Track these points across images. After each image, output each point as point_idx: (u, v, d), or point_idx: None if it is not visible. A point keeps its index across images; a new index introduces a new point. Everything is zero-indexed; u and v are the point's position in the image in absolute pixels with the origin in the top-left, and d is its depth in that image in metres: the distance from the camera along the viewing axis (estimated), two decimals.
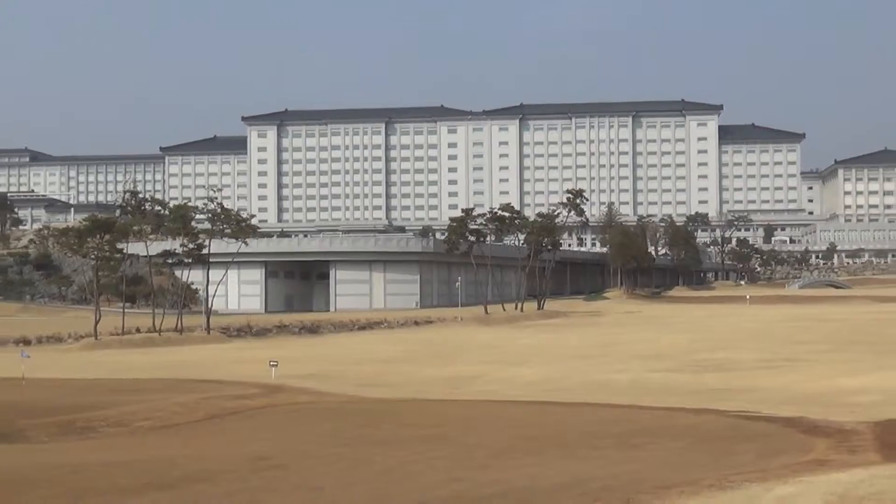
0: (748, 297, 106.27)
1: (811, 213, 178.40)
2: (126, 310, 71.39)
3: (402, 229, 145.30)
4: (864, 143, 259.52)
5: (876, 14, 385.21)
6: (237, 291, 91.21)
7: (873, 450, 20.79)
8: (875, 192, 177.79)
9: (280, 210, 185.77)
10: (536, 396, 31.90)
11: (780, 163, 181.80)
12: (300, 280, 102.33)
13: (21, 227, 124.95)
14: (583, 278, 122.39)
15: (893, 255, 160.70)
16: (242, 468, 19.05)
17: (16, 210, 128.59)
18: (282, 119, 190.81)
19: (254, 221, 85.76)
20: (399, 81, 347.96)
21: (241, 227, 73.33)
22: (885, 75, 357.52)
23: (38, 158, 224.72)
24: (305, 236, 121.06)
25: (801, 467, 18.06)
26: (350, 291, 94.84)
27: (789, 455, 20.13)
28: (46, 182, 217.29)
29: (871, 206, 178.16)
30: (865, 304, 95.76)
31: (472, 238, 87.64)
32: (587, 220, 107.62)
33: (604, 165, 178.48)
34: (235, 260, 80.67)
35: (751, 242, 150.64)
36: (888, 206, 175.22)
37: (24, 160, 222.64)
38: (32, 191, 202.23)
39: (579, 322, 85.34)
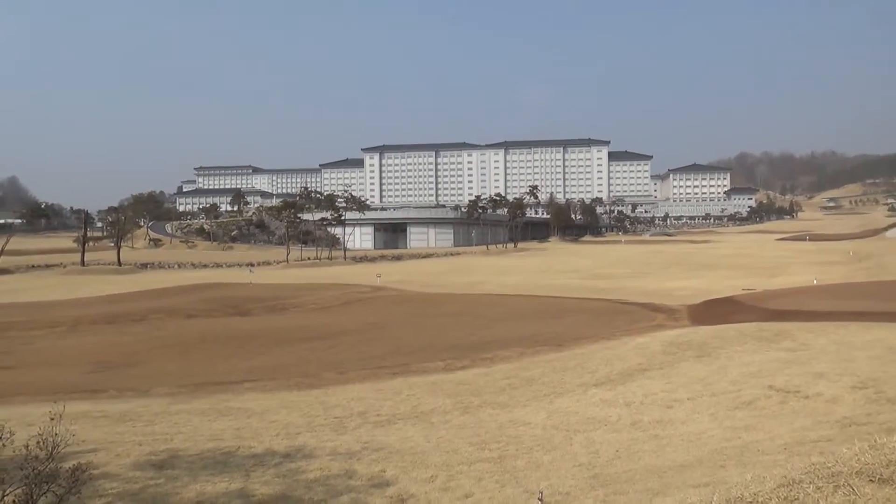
0: (623, 241, 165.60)
1: (656, 196, 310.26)
2: (302, 248, 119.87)
3: (443, 206, 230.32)
4: (684, 158, 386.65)
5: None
6: (359, 238, 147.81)
7: (686, 318, 34.47)
8: (688, 186, 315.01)
9: (381, 196, 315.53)
10: (513, 291, 49.50)
11: (639, 171, 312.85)
12: (392, 232, 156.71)
13: (247, 207, 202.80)
14: (537, 231, 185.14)
15: (697, 219, 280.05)
16: (362, 328, 34.06)
17: (245, 197, 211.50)
18: (382, 149, 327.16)
19: (368, 203, 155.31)
20: (442, 126, 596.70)
21: (361, 205, 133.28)
22: (696, 115, 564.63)
23: (257, 171, 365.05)
24: (395, 210, 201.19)
25: (650, 328, 31.32)
26: (418, 238, 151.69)
27: (643, 322, 33.37)
28: (262, 183, 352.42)
29: (686, 193, 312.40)
30: (682, 245, 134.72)
31: (479, 210, 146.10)
32: (539, 201, 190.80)
33: (548, 173, 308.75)
34: (359, 222, 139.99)
35: (624, 213, 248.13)
36: (695, 193, 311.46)
37: (248, 172, 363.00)
38: (254, 187, 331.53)
39: (535, 254, 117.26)
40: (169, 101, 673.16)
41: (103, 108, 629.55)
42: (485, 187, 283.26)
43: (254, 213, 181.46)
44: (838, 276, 57.13)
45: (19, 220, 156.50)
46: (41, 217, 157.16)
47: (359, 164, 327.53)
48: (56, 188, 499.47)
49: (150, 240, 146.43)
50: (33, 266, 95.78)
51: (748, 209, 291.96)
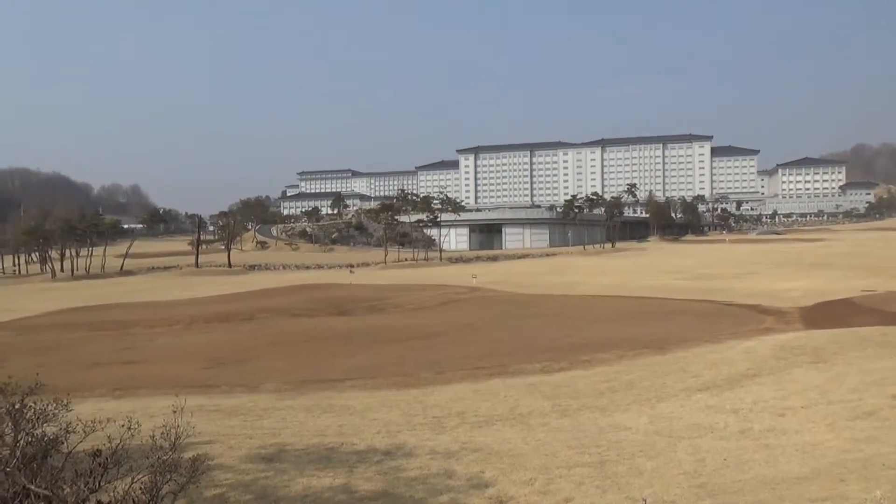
0: (727, 240, 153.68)
1: (763, 193, 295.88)
2: (399, 249, 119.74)
3: (538, 206, 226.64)
4: (794, 152, 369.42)
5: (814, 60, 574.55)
6: (455, 239, 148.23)
7: (798, 322, 32.68)
8: (799, 181, 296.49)
9: (476, 196, 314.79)
10: (611, 292, 48.11)
11: (745, 166, 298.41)
12: (487, 233, 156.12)
13: (346, 209, 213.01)
14: (636, 231, 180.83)
15: (809, 216, 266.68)
16: (459, 328, 34.45)
17: (344, 200, 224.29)
18: (476, 150, 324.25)
19: (463, 204, 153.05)
20: (538, 125, 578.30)
21: (456, 206, 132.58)
22: (807, 105, 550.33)
23: (355, 174, 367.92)
24: (489, 210, 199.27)
25: (758, 332, 29.83)
26: (513, 239, 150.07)
27: (751, 325, 31.83)
28: (360, 186, 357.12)
29: (797, 189, 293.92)
30: (793, 244, 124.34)
31: (575, 210, 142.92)
32: (638, 199, 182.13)
33: (647, 170, 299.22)
34: (454, 223, 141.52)
35: (728, 211, 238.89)
36: (806, 189, 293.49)
37: (347, 175, 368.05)
38: (353, 190, 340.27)
39: (633, 254, 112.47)
40: (273, 110, 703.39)
41: (212, 119, 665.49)
42: (581, 186, 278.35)
43: (353, 215, 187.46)
44: None
45: (141, 225, 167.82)
46: (160, 222, 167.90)
47: (454, 165, 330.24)
48: (172, 195, 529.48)
49: (257, 242, 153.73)
50: (153, 268, 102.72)
51: (866, 205, 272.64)
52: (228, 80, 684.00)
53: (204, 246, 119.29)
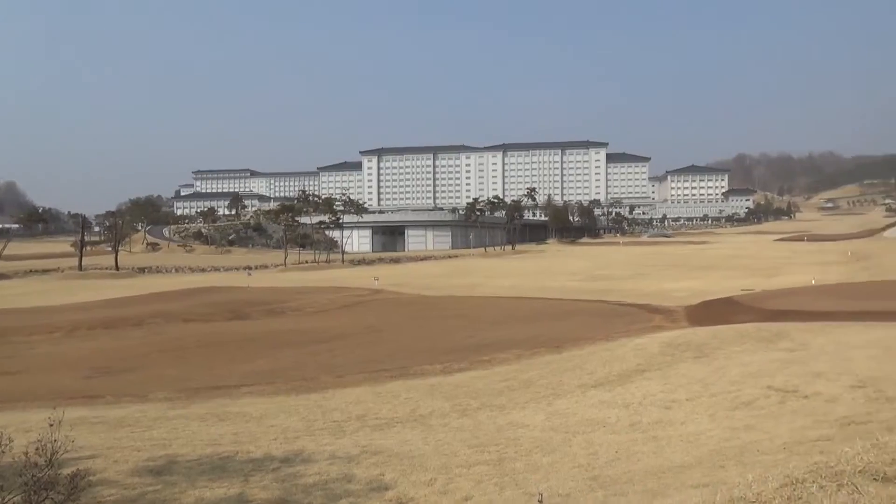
0: (621, 242, 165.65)
1: (654, 198, 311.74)
2: (300, 251, 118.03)
3: (441, 208, 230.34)
4: (682, 160, 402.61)
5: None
6: (357, 241, 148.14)
7: (684, 320, 34.49)
8: (687, 187, 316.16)
9: (379, 198, 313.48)
10: (511, 294, 49.39)
11: (637, 172, 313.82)
12: (390, 235, 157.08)
13: (245, 210, 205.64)
14: (535, 233, 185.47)
15: (695, 220, 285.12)
16: (360, 331, 34.01)
17: (243, 201, 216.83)
18: (380, 152, 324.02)
19: (365, 205, 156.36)
20: (440, 128, 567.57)
21: (358, 208, 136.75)
22: (694, 117, 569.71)
23: (255, 174, 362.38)
24: (393, 212, 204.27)
25: (648, 329, 31.23)
26: (416, 241, 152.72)
27: (641, 323, 33.39)
28: (260, 186, 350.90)
29: (684, 195, 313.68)
30: (680, 246, 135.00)
31: (477, 212, 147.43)
32: (537, 203, 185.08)
33: (546, 175, 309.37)
34: (357, 225, 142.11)
35: (622, 214, 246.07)
36: (692, 194, 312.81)
37: (245, 175, 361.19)
38: (252, 191, 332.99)
39: (533, 256, 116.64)
40: (166, 106, 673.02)
41: (99, 114, 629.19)
42: (483, 189, 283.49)
43: (251, 216, 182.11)
44: (836, 276, 57.15)
45: (16, 225, 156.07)
46: (38, 222, 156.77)
47: (357, 167, 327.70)
48: (54, 193, 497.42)
49: (147, 244, 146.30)
50: (31, 271, 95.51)
51: (746, 210, 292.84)
52: (117, 72, 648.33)
53: (88, 248, 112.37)
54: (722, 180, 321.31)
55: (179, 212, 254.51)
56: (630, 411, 14.65)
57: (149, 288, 65.05)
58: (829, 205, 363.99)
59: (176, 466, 12.03)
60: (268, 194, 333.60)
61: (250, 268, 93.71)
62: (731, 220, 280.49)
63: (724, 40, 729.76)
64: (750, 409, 13.76)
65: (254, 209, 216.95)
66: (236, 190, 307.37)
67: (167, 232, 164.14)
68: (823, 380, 15.15)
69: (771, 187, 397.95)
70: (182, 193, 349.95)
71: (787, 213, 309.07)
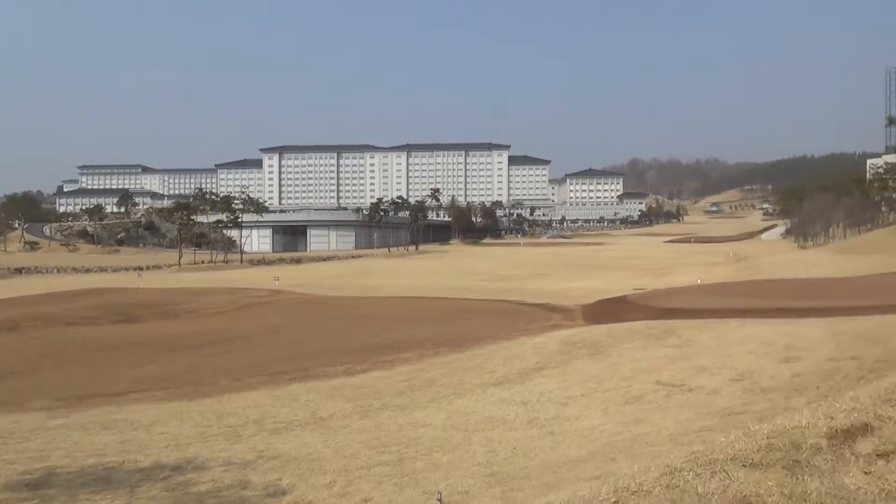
0: (521, 243, 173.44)
1: (553, 200, 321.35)
2: (196, 251, 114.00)
3: (345, 208, 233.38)
4: (580, 164, 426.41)
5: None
6: (257, 241, 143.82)
7: (581, 318, 35.56)
8: (584, 190, 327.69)
9: (281, 197, 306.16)
10: (415, 294, 49.64)
11: (538, 175, 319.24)
12: (291, 235, 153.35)
13: (136, 208, 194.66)
14: (439, 234, 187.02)
15: (592, 222, 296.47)
16: (259, 332, 33.16)
17: (134, 198, 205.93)
18: (281, 150, 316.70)
19: (266, 204, 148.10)
20: (345, 127, 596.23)
21: (259, 207, 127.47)
22: (591, 123, 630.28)
23: (147, 171, 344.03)
24: (294, 212, 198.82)
25: (547, 328, 32.09)
26: (318, 240, 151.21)
27: (540, 322, 34.25)
28: (153, 183, 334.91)
29: (582, 197, 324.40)
30: (578, 247, 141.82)
31: (381, 213, 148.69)
32: (441, 203, 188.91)
33: (450, 176, 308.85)
34: (257, 224, 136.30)
35: (523, 216, 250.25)
36: (590, 197, 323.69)
37: (137, 171, 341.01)
38: (144, 188, 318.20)
39: (436, 256, 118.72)
40: (43, 96, 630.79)
41: None
42: (387, 190, 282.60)
43: (143, 214, 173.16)
44: (720, 275, 60.86)
45: None
46: None
47: (257, 164, 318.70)
48: None
49: (25, 242, 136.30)
50: None
51: (639, 213, 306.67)
52: None
53: None
54: (617, 184, 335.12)
55: (62, 209, 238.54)
56: (528, 408, 14.99)
57: (26, 289, 60.57)
58: (714, 208, 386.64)
59: (55, 479, 11.27)
60: (161, 192, 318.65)
61: (141, 268, 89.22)
62: (626, 222, 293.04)
63: (616, 49, 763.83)
64: (640, 404, 14.39)
65: (146, 207, 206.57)
66: (126, 187, 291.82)
67: (48, 230, 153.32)
68: (706, 374, 16.07)
69: (662, 191, 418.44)
70: (65, 190, 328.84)
71: (677, 215, 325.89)
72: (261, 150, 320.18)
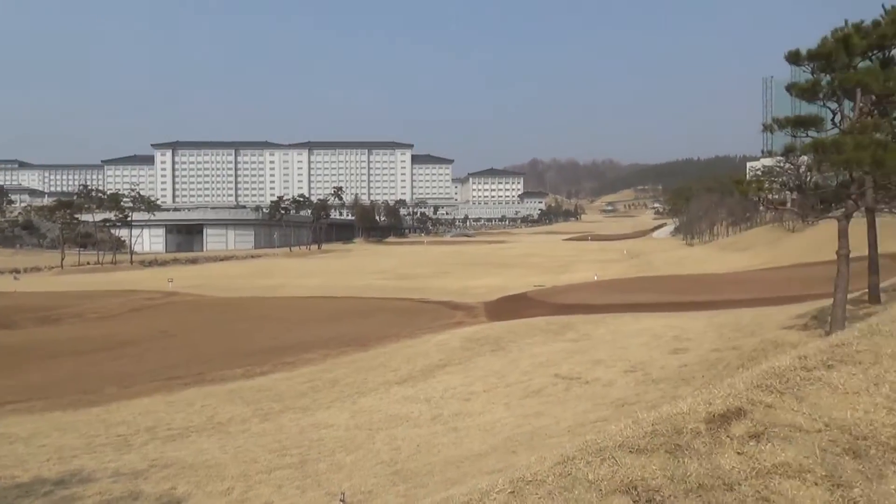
0: (425, 241, 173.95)
1: (456, 199, 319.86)
2: (81, 252, 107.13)
3: (244, 206, 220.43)
4: (482, 163, 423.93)
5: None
6: (149, 241, 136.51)
7: (484, 315, 36.48)
8: (486, 189, 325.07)
9: (174, 195, 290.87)
10: (318, 293, 49.09)
11: (441, 174, 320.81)
12: (186, 234, 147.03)
13: (12, 206, 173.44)
14: (342, 233, 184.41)
15: (494, 220, 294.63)
16: (151, 337, 31.81)
17: (9, 195, 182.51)
18: (175, 146, 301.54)
19: (158, 202, 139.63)
20: (242, 123, 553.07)
21: (150, 205, 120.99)
22: (492, 123, 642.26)
23: (24, 166, 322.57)
24: (189, 210, 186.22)
25: (450, 325, 32.68)
26: (215, 240, 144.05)
27: (444, 320, 34.78)
28: (31, 180, 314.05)
29: (484, 196, 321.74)
30: (481, 245, 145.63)
31: (282, 211, 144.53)
32: (344, 202, 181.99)
33: (353, 174, 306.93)
34: (149, 223, 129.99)
35: (427, 214, 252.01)
36: (492, 196, 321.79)
37: (13, 167, 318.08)
38: (20, 184, 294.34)
39: (340, 255, 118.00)
40: None
41: None
42: (288, 188, 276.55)
43: (20, 212, 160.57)
44: (615, 272, 63.44)
45: None
46: None
47: (148, 161, 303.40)
48: None
49: None
50: None
51: (539, 211, 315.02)
52: None
53: None
54: (518, 183, 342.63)
55: None
56: (432, 405, 15.09)
57: None
58: (610, 208, 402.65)
59: None
60: (41, 189, 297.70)
61: (18, 271, 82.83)
62: (526, 220, 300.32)
63: (518, 53, 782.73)
64: (540, 397, 14.79)
65: (23, 205, 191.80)
66: (1, 183, 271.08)
67: None
68: (602, 366, 16.71)
69: (560, 191, 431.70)
70: None
71: (575, 214, 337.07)
72: (152, 145, 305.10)
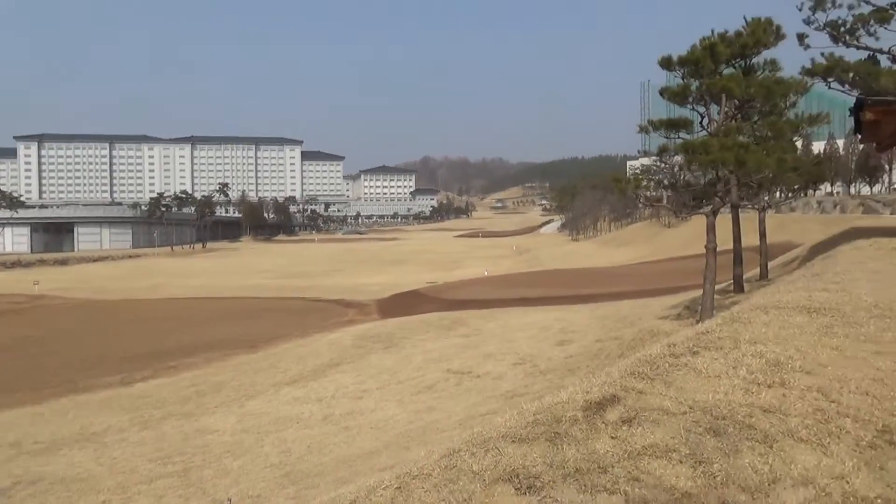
0: (316, 239, 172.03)
1: (348, 196, 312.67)
2: None
3: (120, 203, 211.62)
4: (374, 160, 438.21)
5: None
6: (11, 240, 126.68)
7: (376, 312, 36.69)
8: (378, 186, 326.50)
9: (41, 191, 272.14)
10: (203, 294, 47.40)
11: (332, 171, 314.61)
12: (55, 233, 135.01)
13: None
14: (229, 231, 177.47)
15: (387, 217, 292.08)
16: (15, 344, 29.36)
17: None
18: (41, 138, 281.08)
19: (21, 199, 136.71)
20: (117, 115, 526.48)
21: (13, 202, 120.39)
22: (385, 119, 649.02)
23: None
24: (58, 207, 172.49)
25: (343, 324, 32.66)
26: (88, 239, 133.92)
27: (336, 318, 34.71)
28: None
29: (376, 193, 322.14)
30: (373, 242, 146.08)
31: (163, 209, 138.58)
32: (230, 199, 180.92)
33: (240, 170, 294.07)
34: (10, 221, 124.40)
35: (317, 212, 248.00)
36: (384, 193, 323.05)
37: None
38: None
39: (226, 254, 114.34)
40: None
41: None
42: (169, 184, 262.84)
43: None
44: (505, 267, 65.02)
45: None
46: None
47: (10, 154, 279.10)
48: None
49: None
50: None
51: (431, 208, 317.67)
52: None
53: None
54: (410, 180, 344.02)
55: None
56: (323, 405, 14.89)
57: None
58: (499, 204, 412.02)
59: None
60: None
61: None
62: (419, 217, 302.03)
63: (410, 51, 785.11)
64: (432, 392, 14.93)
65: None
66: None
67: None
68: (493, 360, 17.09)
69: (452, 188, 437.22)
70: None
71: (466, 211, 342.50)
72: (15, 137, 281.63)
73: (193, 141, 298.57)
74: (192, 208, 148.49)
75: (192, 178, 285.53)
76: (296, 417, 14.02)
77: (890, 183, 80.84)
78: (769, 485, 2.89)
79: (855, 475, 2.98)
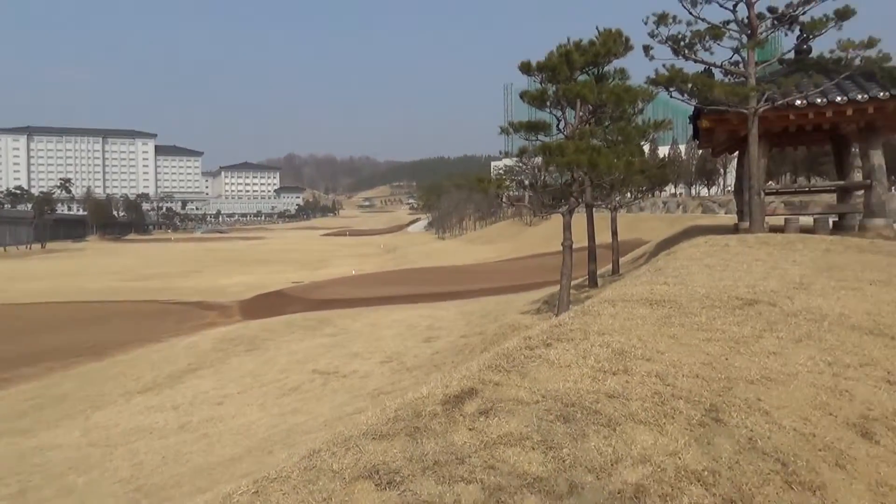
0: (172, 238, 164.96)
1: (207, 193, 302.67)
2: None
3: None
4: (236, 157, 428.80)
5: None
6: None
7: (238, 314, 35.61)
8: (241, 184, 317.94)
9: None
10: (42, 299, 43.77)
11: (189, 167, 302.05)
12: None
13: None
14: (72, 230, 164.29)
15: (250, 216, 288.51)
16: None
17: None
18: None
19: None
20: None
21: None
22: (247, 115, 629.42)
23: None
24: None
25: (201, 327, 31.31)
26: None
27: (194, 321, 33.35)
28: None
29: (238, 191, 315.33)
30: (236, 242, 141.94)
31: None
32: (74, 196, 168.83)
33: (85, 165, 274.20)
34: None
35: (174, 210, 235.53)
36: (247, 190, 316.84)
37: None
38: None
39: (69, 255, 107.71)
40: None
41: None
42: (2, 179, 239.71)
43: None
44: (372, 266, 64.91)
45: None
46: None
47: None
48: None
49: None
50: None
51: (297, 207, 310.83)
52: None
53: None
54: (274, 178, 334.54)
55: None
56: (180, 412, 14.17)
57: None
58: (367, 203, 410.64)
59: None
60: None
61: None
62: (284, 216, 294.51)
63: (275, 46, 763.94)
64: (297, 394, 14.62)
65: None
66: None
67: None
68: (360, 359, 17.00)
69: (318, 186, 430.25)
70: None
71: (333, 210, 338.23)
72: None
73: (31, 132, 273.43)
74: (29, 206, 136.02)
75: (29, 172, 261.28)
76: (149, 427, 13.24)
77: (724, 185, 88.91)
78: (612, 465, 3.10)
79: (686, 451, 3.26)
